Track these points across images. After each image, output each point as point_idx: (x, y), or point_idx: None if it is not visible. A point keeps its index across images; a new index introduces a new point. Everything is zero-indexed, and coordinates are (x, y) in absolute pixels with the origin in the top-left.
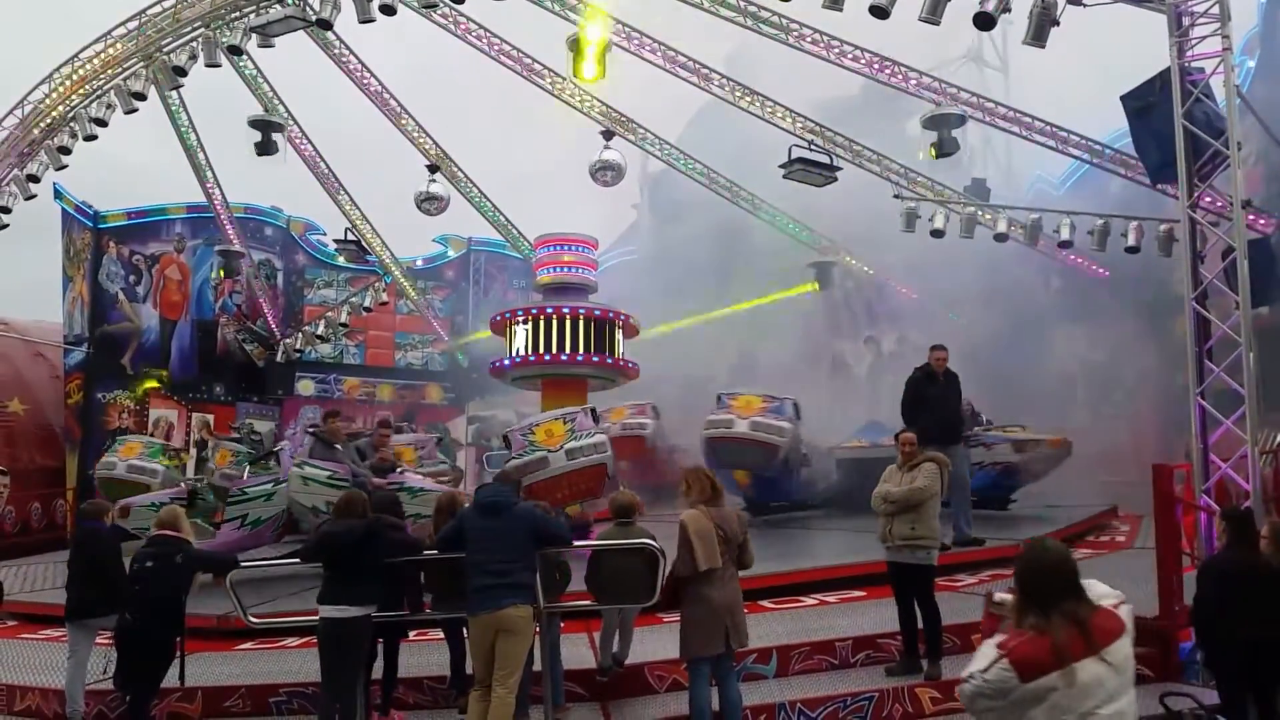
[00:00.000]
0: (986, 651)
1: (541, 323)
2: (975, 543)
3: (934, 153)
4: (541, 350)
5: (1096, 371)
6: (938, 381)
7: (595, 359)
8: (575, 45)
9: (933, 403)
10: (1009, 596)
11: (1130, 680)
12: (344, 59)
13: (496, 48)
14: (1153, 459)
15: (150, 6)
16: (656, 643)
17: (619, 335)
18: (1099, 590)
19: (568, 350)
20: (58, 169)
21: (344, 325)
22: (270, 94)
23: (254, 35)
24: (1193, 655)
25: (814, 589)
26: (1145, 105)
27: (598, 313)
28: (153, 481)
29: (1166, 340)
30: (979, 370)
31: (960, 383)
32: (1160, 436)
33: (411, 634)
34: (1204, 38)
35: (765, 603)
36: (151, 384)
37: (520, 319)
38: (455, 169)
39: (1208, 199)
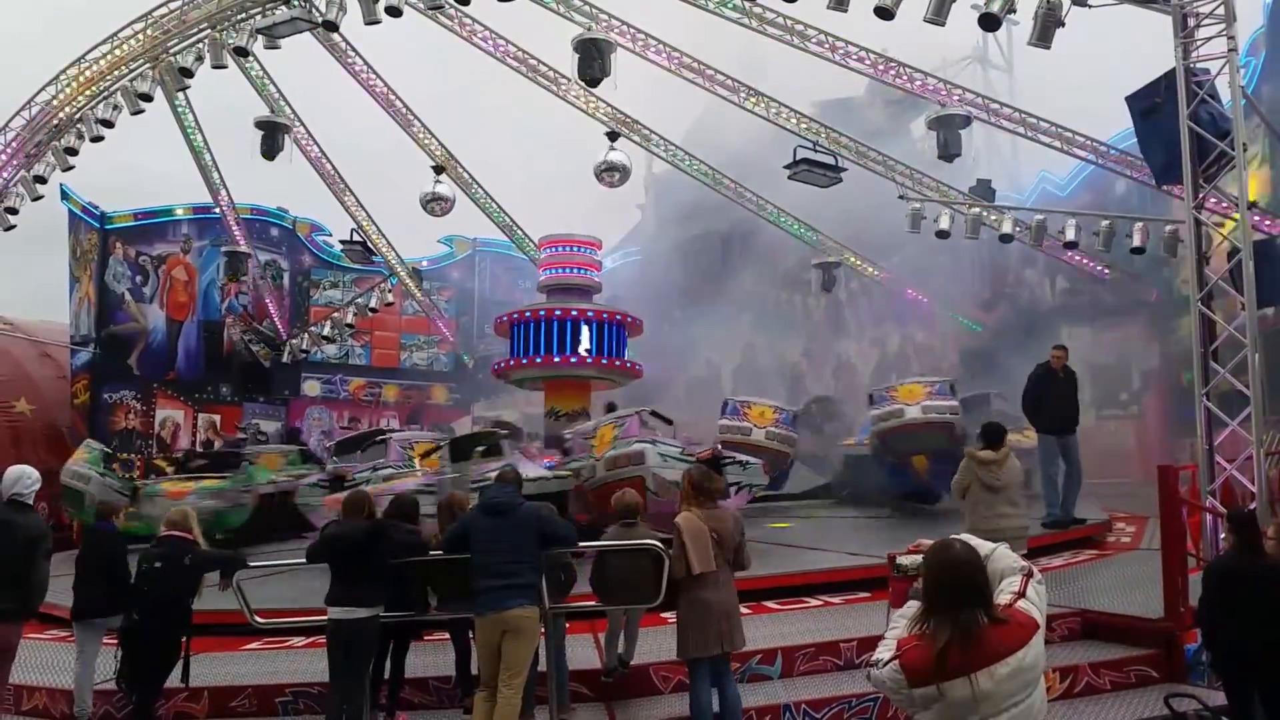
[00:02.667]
0: (889, 641)
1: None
2: (1077, 522)
3: (940, 153)
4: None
5: (1102, 373)
6: (1057, 378)
7: (600, 360)
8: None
9: (1052, 397)
10: (913, 558)
11: (1016, 691)
12: (350, 60)
13: (502, 49)
14: (1158, 460)
15: (157, 8)
16: (661, 643)
17: (624, 336)
18: (1003, 564)
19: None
20: (64, 170)
21: (350, 326)
22: (276, 95)
23: (260, 37)
24: (1198, 656)
25: (819, 590)
26: (1150, 106)
27: (600, 315)
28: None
29: (1171, 341)
30: (982, 371)
31: (1077, 379)
32: (1165, 438)
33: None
34: (1209, 39)
35: (770, 603)
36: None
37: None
38: (461, 170)
39: (1213, 200)
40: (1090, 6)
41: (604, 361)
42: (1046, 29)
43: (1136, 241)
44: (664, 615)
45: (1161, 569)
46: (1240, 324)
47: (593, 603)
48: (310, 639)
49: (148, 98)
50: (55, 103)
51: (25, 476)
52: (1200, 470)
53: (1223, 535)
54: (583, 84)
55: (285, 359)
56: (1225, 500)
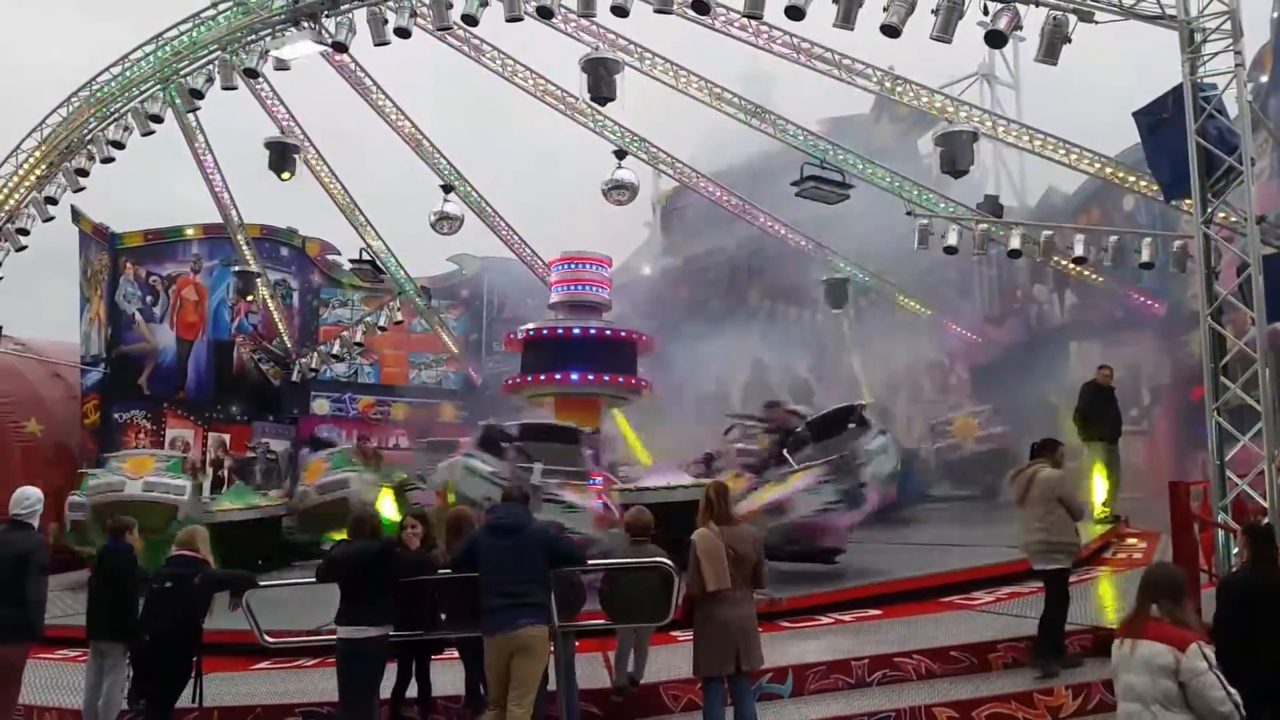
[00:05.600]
0: None
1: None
2: (1117, 519)
3: (946, 169)
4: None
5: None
6: (1104, 393)
7: (609, 378)
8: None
9: (1100, 410)
10: None
11: (1143, 677)
12: (358, 80)
13: (510, 69)
14: (1169, 476)
15: (167, 30)
16: (671, 662)
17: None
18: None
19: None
20: (75, 191)
21: (358, 344)
22: (286, 116)
23: (270, 58)
24: None
25: (830, 609)
26: (1158, 121)
27: (610, 332)
28: (179, 500)
29: (1181, 356)
30: (990, 385)
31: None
32: (1176, 453)
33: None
34: (1216, 54)
35: (781, 622)
36: None
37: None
38: (469, 188)
39: (1222, 214)
40: (1097, 23)
41: (609, 379)
42: (1053, 45)
43: (1145, 256)
44: (674, 634)
45: None
46: (1251, 339)
47: (602, 621)
48: (320, 658)
49: (158, 119)
50: (66, 124)
51: (25, 498)
52: (1212, 486)
53: (1235, 550)
54: (592, 103)
55: (294, 378)
56: (1237, 516)
